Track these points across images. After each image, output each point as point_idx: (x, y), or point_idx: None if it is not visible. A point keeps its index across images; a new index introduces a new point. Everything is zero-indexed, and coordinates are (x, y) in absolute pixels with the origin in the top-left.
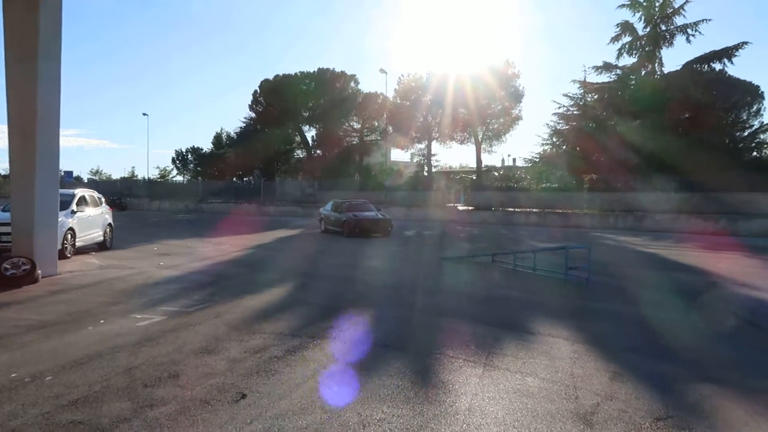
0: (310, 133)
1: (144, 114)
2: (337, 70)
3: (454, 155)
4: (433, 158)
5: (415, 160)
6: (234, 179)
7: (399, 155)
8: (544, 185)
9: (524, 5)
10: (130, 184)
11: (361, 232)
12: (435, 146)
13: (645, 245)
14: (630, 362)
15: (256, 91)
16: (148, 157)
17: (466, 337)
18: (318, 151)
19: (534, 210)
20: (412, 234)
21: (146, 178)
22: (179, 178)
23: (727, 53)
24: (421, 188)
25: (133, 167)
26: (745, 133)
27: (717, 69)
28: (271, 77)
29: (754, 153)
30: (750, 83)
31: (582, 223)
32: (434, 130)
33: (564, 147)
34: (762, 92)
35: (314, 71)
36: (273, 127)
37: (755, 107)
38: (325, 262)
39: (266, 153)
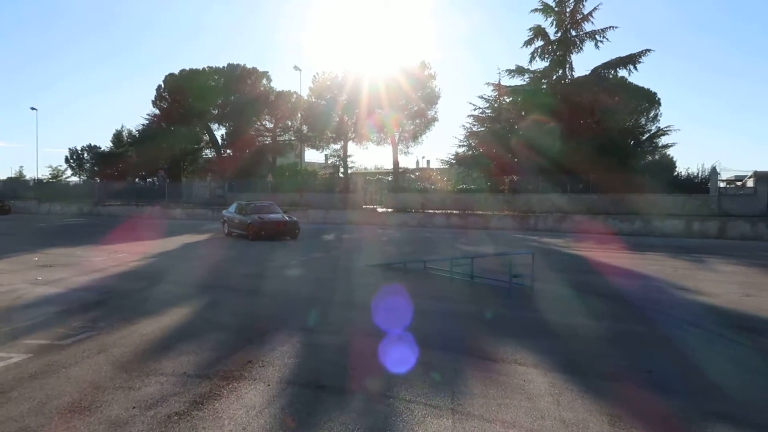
0: (220, 132)
1: (32, 108)
2: (249, 66)
3: (370, 156)
4: (349, 159)
5: (330, 161)
6: (137, 180)
7: (314, 156)
8: (460, 187)
9: (441, 6)
10: (16, 185)
11: (267, 235)
12: (351, 147)
13: (569, 247)
14: (621, 396)
15: (160, 87)
16: (38, 155)
17: (421, 370)
18: (228, 151)
19: (454, 212)
20: (331, 238)
21: (36, 178)
22: (75, 178)
23: (632, 60)
24: (337, 190)
25: (21, 167)
26: (644, 138)
27: (621, 75)
28: (176, 72)
29: (653, 157)
30: (648, 90)
31: (503, 225)
32: (350, 130)
33: (480, 149)
34: (659, 99)
35: (224, 67)
36: (179, 124)
37: (653, 113)
38: (238, 272)
39: (172, 152)
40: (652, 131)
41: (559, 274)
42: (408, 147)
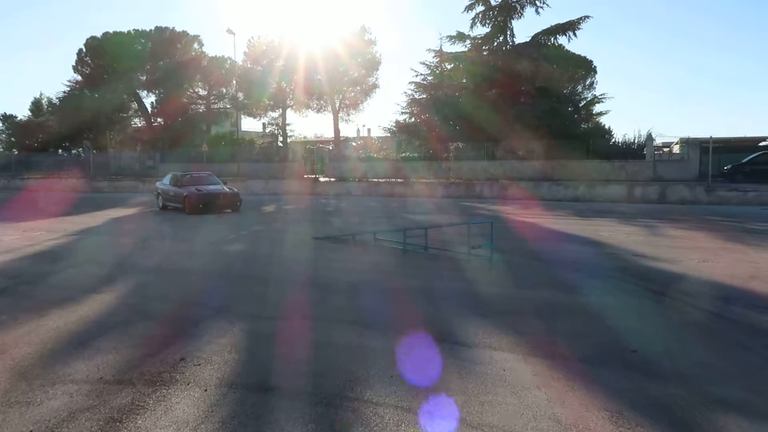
0: (149, 100)
1: None
2: (178, 29)
3: (310, 125)
4: (288, 127)
5: (268, 130)
6: (59, 151)
7: (251, 124)
8: (403, 155)
9: None
10: None
11: (205, 207)
12: (290, 115)
13: (518, 214)
14: (613, 384)
15: (81, 51)
16: None
17: (385, 361)
18: (159, 120)
19: (399, 180)
20: (272, 209)
21: None
22: None
23: (571, 26)
24: (277, 160)
25: None
26: (581, 105)
27: (560, 42)
28: (98, 35)
29: (587, 124)
30: (585, 58)
31: (448, 193)
32: (289, 98)
33: (422, 117)
34: (595, 67)
35: (151, 30)
36: (104, 91)
37: (589, 81)
38: (170, 250)
39: (97, 121)
40: (588, 99)
41: (514, 242)
42: (349, 115)
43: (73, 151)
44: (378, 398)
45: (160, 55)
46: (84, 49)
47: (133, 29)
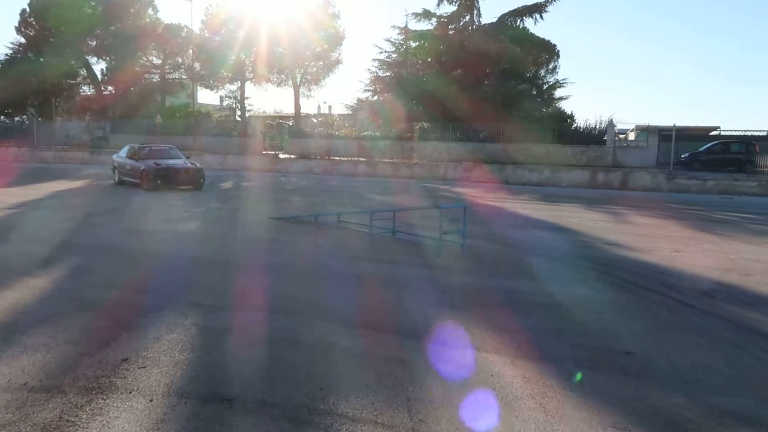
0: (99, 66)
1: None
2: None
3: (270, 99)
4: (247, 101)
5: (226, 103)
6: (1, 117)
7: (208, 97)
8: (365, 134)
9: None
10: None
11: (164, 183)
12: (249, 88)
13: (483, 197)
14: (612, 393)
15: (24, 11)
16: None
17: (358, 365)
18: (110, 88)
19: (362, 159)
20: (229, 186)
21: None
22: None
23: (538, 8)
24: (235, 134)
25: None
26: (544, 89)
27: (527, 23)
28: None
29: (547, 108)
30: (548, 41)
31: (412, 174)
32: (248, 70)
33: (386, 94)
34: (558, 51)
35: None
36: (50, 56)
37: (551, 65)
38: (118, 228)
39: (42, 87)
40: (551, 83)
41: (483, 228)
42: (310, 90)
43: (17, 119)
44: (354, 412)
45: (111, 19)
46: (28, 10)
47: None
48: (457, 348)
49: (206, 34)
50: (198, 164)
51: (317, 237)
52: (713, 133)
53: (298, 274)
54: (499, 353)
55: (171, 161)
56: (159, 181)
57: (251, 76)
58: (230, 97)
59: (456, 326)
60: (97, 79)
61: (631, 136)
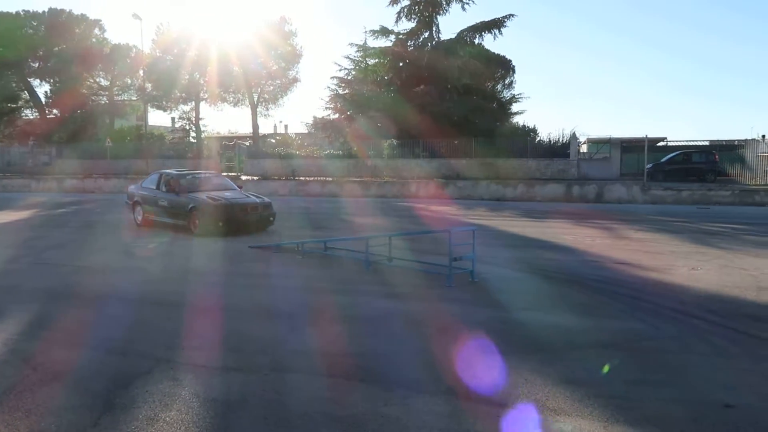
0: (43, 89)
1: None
2: (76, 12)
3: (225, 120)
4: (201, 122)
5: (178, 124)
6: None
7: (159, 119)
8: (327, 152)
9: None
10: None
11: (229, 226)
12: (204, 108)
13: (465, 215)
14: None
15: None
16: None
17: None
18: (55, 111)
19: (329, 179)
20: None
21: None
22: None
23: (497, 24)
24: (190, 156)
25: None
26: (503, 104)
27: (486, 39)
28: None
29: (503, 123)
30: (504, 57)
31: (383, 193)
32: (202, 90)
33: (346, 112)
34: (514, 66)
35: (44, 11)
36: None
37: (508, 80)
38: (75, 264)
39: None
40: (507, 98)
41: (480, 249)
42: (268, 110)
43: None
44: None
45: (54, 40)
46: None
47: (23, 10)
48: (528, 411)
49: (157, 54)
50: (265, 198)
51: (309, 268)
52: (660, 144)
53: (304, 316)
54: (585, 416)
55: (228, 194)
56: (220, 223)
57: (206, 96)
58: (184, 118)
59: (516, 378)
60: (41, 102)
61: (584, 149)
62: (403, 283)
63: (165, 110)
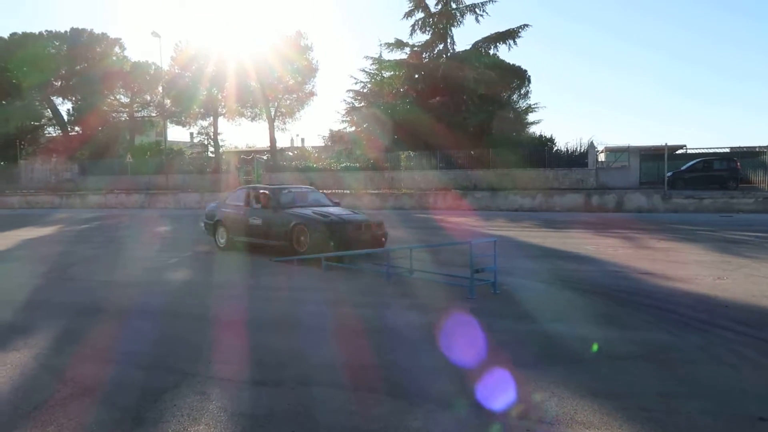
0: (65, 107)
1: None
2: (97, 32)
3: (242, 134)
4: (219, 137)
5: (197, 139)
6: None
7: (178, 134)
8: (343, 165)
9: None
10: None
11: (342, 245)
12: (222, 123)
13: (484, 226)
14: None
15: None
16: None
17: None
18: (77, 129)
19: (346, 192)
20: None
21: None
22: None
23: (511, 35)
24: (209, 171)
25: None
26: (520, 113)
27: (501, 50)
28: (5, 36)
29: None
30: (519, 67)
31: (400, 204)
32: (220, 105)
33: (362, 125)
34: (529, 76)
35: (66, 31)
36: (13, 98)
37: (523, 90)
38: (98, 279)
39: (6, 130)
40: (523, 107)
41: (500, 260)
42: (285, 123)
43: None
44: None
45: (76, 59)
46: None
47: (46, 30)
48: (558, 425)
49: (176, 71)
50: (379, 217)
51: (332, 281)
52: (679, 152)
53: (327, 329)
54: (613, 429)
55: (334, 209)
56: (332, 243)
57: (224, 111)
58: (202, 133)
59: (543, 393)
60: (63, 120)
61: (602, 158)
62: (425, 295)
63: (184, 126)
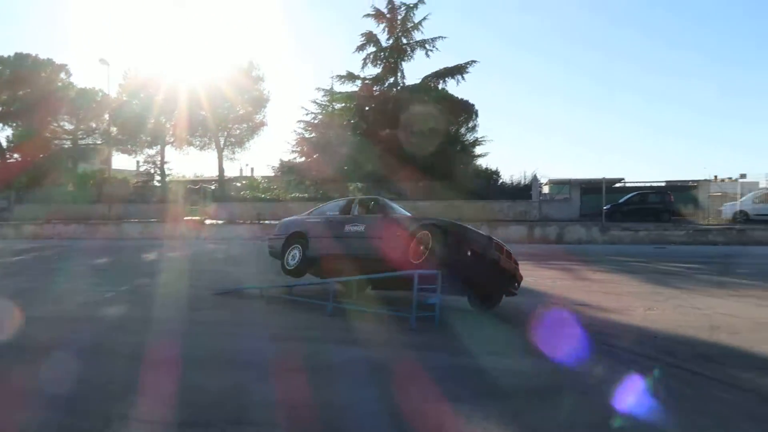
0: (4, 134)
1: None
2: (42, 57)
3: (190, 163)
4: (166, 165)
5: (143, 168)
6: None
7: (124, 162)
8: (293, 195)
9: (271, 5)
10: None
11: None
12: (170, 152)
13: None
14: None
15: None
16: None
17: None
18: (15, 156)
19: None
20: (154, 257)
21: None
22: None
23: (460, 70)
24: (154, 200)
25: None
26: (467, 146)
27: (450, 84)
28: None
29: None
30: (467, 101)
31: None
32: (168, 134)
33: (312, 156)
34: (477, 110)
35: (10, 56)
36: None
37: (471, 123)
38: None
39: None
40: (470, 141)
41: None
42: (234, 153)
43: None
44: None
45: (18, 84)
46: None
47: None
48: None
49: (124, 98)
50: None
51: (272, 315)
52: (618, 185)
53: (264, 366)
54: None
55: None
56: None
57: (172, 139)
58: (149, 162)
59: (473, 429)
60: (2, 146)
61: (545, 190)
62: (365, 328)
63: (130, 154)
